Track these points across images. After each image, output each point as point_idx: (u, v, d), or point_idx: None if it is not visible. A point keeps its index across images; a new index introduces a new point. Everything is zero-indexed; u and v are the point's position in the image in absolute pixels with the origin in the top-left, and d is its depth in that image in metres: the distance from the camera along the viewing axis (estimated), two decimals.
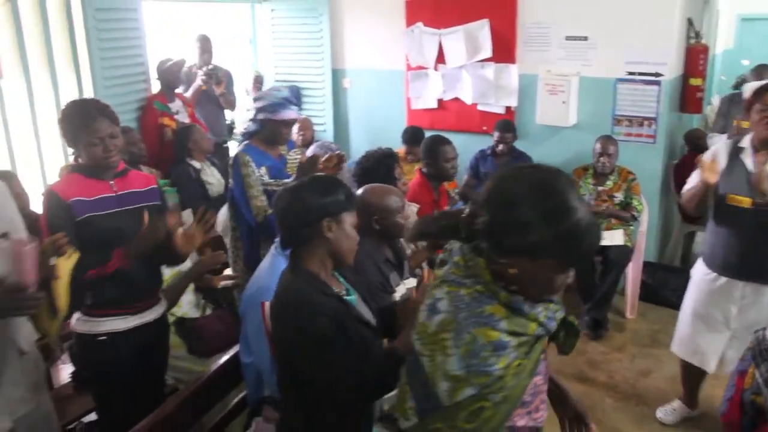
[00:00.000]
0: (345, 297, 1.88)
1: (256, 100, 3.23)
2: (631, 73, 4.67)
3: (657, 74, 4.56)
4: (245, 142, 3.24)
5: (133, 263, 2.40)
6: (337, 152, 3.01)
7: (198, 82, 5.18)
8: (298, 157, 3.33)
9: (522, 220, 1.29)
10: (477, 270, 1.39)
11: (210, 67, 5.26)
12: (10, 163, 3.85)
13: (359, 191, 2.70)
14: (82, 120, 2.34)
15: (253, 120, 3.22)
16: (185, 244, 2.51)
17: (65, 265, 2.02)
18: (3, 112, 3.82)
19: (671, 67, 4.56)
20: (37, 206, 3.42)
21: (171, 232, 2.45)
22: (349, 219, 1.86)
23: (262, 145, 3.19)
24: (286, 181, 3.12)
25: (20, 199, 3.34)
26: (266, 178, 3.09)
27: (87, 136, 2.34)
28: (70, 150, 2.53)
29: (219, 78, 5.35)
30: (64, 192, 2.34)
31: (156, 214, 2.44)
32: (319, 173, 2.76)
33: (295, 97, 3.22)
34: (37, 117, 4.00)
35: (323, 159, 3.11)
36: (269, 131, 3.16)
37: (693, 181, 2.97)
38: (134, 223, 2.45)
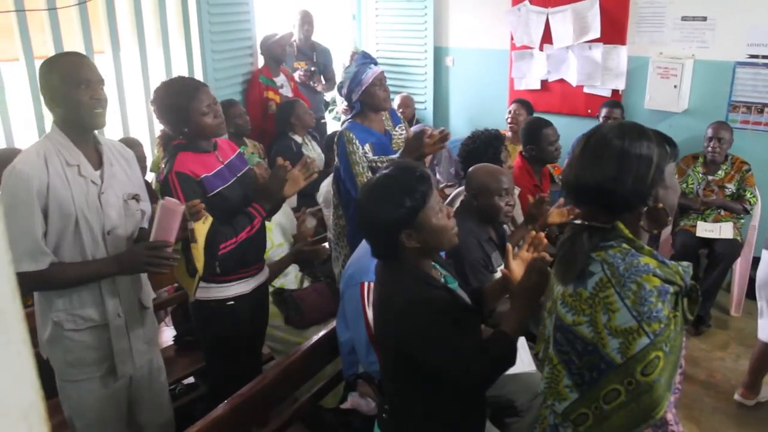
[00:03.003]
0: (448, 285, 1.85)
1: (340, 89, 3.17)
2: (753, 56, 4.39)
3: None
4: (348, 120, 3.21)
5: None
6: (441, 129, 2.97)
7: (296, 77, 5.28)
8: (404, 133, 3.29)
9: (648, 155, 1.44)
10: (617, 231, 1.47)
11: (312, 68, 5.36)
12: (123, 132, 4.06)
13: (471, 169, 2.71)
14: (188, 95, 2.38)
15: (351, 106, 3.17)
16: (290, 187, 2.51)
17: (202, 229, 2.13)
18: (120, 82, 4.03)
19: None
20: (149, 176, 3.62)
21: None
22: (429, 212, 1.71)
23: (365, 121, 3.15)
24: (392, 156, 3.09)
25: (140, 164, 3.54)
26: (371, 155, 3.07)
27: (198, 105, 2.37)
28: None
29: (315, 75, 5.44)
30: (191, 171, 2.35)
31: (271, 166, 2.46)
32: (402, 162, 2.71)
33: (365, 55, 3.13)
34: (150, 89, 4.18)
35: (426, 136, 3.09)
36: (367, 103, 3.11)
37: None
38: (245, 189, 2.52)
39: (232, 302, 2.55)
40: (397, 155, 3.05)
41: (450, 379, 1.73)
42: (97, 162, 2.12)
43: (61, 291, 2.05)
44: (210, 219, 2.16)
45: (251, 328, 2.68)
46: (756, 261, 4.44)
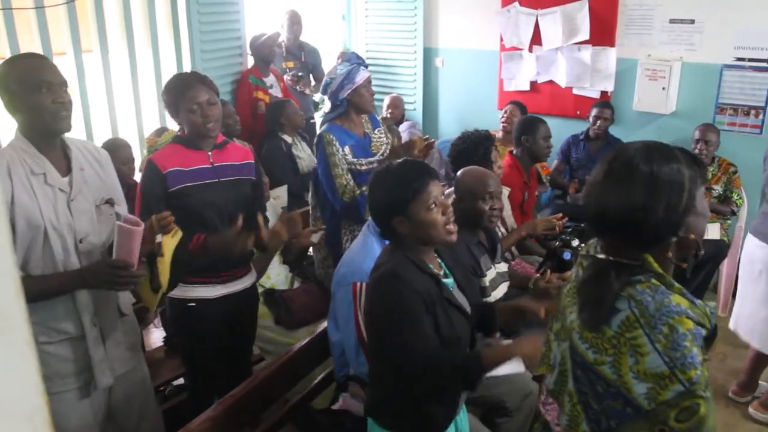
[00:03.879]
0: (442, 279, 1.87)
1: (326, 87, 3.13)
2: (740, 59, 4.43)
3: None
4: (328, 122, 3.17)
5: (202, 253, 2.40)
6: (426, 137, 2.98)
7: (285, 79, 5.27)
8: (383, 136, 3.27)
9: (679, 180, 1.30)
10: (646, 265, 1.32)
11: (299, 73, 5.35)
12: (111, 132, 4.02)
13: (458, 172, 2.71)
14: (180, 88, 2.39)
15: (338, 103, 3.12)
16: (272, 239, 2.55)
17: (170, 242, 2.06)
18: (109, 82, 3.99)
19: None
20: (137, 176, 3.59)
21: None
22: (420, 205, 1.80)
23: (346, 122, 3.12)
24: (371, 159, 3.09)
25: (127, 165, 3.51)
26: (350, 158, 3.05)
27: (185, 103, 2.37)
28: (171, 122, 2.60)
29: (303, 79, 5.42)
30: (162, 162, 2.39)
31: (246, 222, 2.39)
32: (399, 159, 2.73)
33: (357, 56, 3.12)
34: (139, 89, 4.16)
35: (402, 144, 3.08)
36: (353, 103, 3.09)
37: None
38: (229, 195, 2.48)
39: (194, 304, 2.52)
40: (376, 158, 3.06)
41: (397, 357, 1.78)
42: (66, 168, 2.02)
43: (33, 304, 1.94)
44: (179, 233, 2.09)
45: (226, 333, 2.62)
46: None
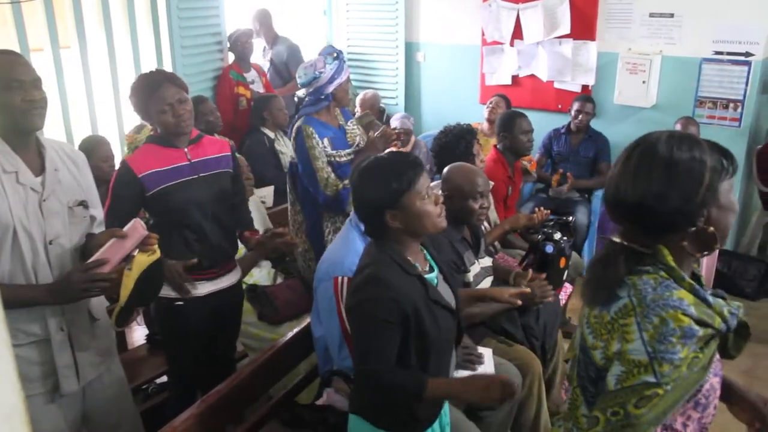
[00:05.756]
0: (427, 275, 1.86)
1: (313, 79, 3.10)
2: (718, 53, 4.48)
3: (747, 54, 4.36)
4: (305, 115, 3.17)
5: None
6: (393, 128, 2.99)
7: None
8: (357, 128, 3.30)
9: (699, 170, 1.27)
10: (658, 256, 1.32)
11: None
12: (91, 130, 3.97)
13: (447, 168, 2.71)
14: (149, 90, 2.35)
15: (322, 97, 3.12)
16: (257, 247, 2.60)
17: (143, 261, 1.96)
18: (87, 78, 3.94)
19: (764, 47, 4.34)
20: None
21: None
22: (413, 197, 1.79)
23: (322, 116, 3.15)
24: (348, 151, 3.13)
25: (107, 163, 3.47)
26: (329, 150, 3.08)
27: (156, 104, 2.34)
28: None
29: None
30: (137, 166, 2.36)
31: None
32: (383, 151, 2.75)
33: (330, 53, 3.13)
34: (119, 84, 4.12)
35: (377, 134, 3.09)
36: (337, 97, 3.13)
37: None
38: (209, 191, 2.48)
39: (181, 303, 2.51)
40: (351, 150, 3.08)
41: (356, 361, 1.83)
42: (40, 167, 1.96)
43: None
44: (157, 255, 1.99)
45: (212, 331, 2.61)
46: (722, 253, 4.55)
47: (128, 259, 1.94)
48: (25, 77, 1.87)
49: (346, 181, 2.99)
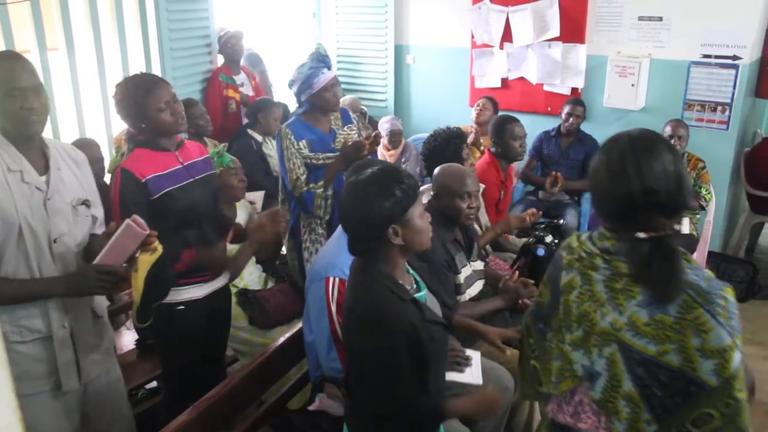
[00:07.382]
0: (416, 294, 1.84)
1: (291, 85, 3.17)
2: (706, 56, 4.51)
3: (735, 57, 4.39)
4: (294, 116, 3.23)
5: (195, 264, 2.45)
6: (368, 132, 2.98)
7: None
8: (353, 133, 3.29)
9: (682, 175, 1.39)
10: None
11: None
12: (79, 132, 3.94)
13: (437, 169, 2.70)
14: (145, 90, 2.33)
15: (300, 104, 3.20)
16: (256, 231, 2.55)
17: (146, 260, 1.99)
18: (75, 80, 3.91)
19: (750, 50, 4.37)
20: (106, 178, 3.52)
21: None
22: (415, 211, 1.74)
23: (311, 119, 3.17)
24: (329, 155, 3.13)
25: (98, 165, 3.44)
26: (305, 151, 3.10)
27: (154, 103, 2.32)
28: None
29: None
30: (138, 170, 2.32)
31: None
32: (365, 160, 2.73)
33: (320, 58, 3.11)
34: (107, 87, 4.07)
35: (350, 144, 3.07)
36: (316, 105, 3.13)
37: None
38: (203, 193, 2.47)
39: (183, 307, 2.50)
40: (333, 154, 3.10)
41: (377, 398, 1.78)
42: (44, 167, 2.01)
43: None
44: (159, 251, 2.02)
45: (206, 334, 2.60)
46: (711, 255, 4.58)
47: (132, 261, 1.97)
48: (25, 84, 1.89)
49: (312, 185, 3.08)
